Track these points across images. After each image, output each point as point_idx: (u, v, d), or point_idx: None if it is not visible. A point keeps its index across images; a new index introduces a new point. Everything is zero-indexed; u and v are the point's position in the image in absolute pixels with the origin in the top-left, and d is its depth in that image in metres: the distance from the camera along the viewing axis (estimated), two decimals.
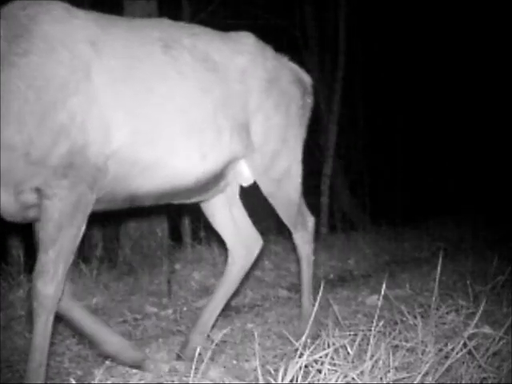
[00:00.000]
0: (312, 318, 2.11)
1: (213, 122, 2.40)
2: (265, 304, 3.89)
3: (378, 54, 11.88)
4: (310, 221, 2.97)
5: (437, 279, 2.44)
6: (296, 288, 4.46)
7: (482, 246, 6.28)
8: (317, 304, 2.07)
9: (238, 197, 2.89)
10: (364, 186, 12.67)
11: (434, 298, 2.41)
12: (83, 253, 4.14)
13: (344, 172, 11.11)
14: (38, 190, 2.03)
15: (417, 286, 4.06)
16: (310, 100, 2.95)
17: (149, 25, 2.41)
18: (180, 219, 5.97)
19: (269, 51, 2.75)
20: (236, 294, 4.07)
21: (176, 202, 2.61)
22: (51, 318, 2.08)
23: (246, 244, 2.89)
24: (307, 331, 2.00)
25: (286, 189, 2.77)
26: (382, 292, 2.21)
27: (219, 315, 2.94)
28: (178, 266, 4.61)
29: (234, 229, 2.87)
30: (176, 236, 5.64)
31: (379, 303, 2.21)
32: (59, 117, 1.98)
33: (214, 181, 2.54)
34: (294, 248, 5.32)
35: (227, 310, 3.76)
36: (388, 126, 12.93)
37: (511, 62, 11.16)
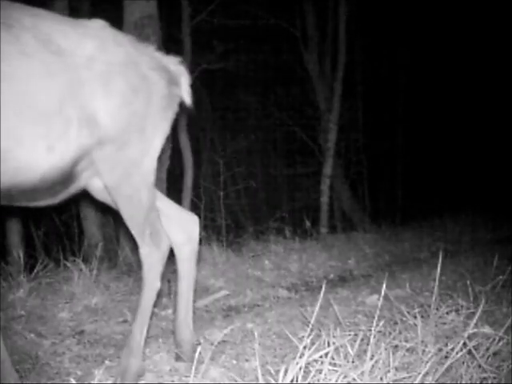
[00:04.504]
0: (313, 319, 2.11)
1: (60, 111, 2.19)
2: (265, 304, 3.89)
3: (378, 53, 11.89)
4: (165, 242, 2.61)
5: (437, 279, 2.44)
6: (296, 288, 4.47)
7: (482, 246, 6.29)
8: (318, 304, 2.08)
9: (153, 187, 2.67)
10: (364, 186, 12.66)
11: (433, 298, 2.41)
12: (83, 253, 4.13)
13: (344, 172, 11.12)
14: None
15: (417, 286, 4.06)
16: (178, 91, 2.67)
17: None
18: None
19: (122, 37, 2.54)
20: (236, 293, 4.09)
21: (24, 204, 2.38)
22: None
23: (184, 228, 2.80)
24: (308, 330, 1.99)
25: (135, 184, 2.46)
26: (382, 292, 2.21)
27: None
28: None
29: (165, 219, 2.73)
30: None
31: (379, 303, 2.21)
32: None
33: (61, 180, 2.33)
34: (291, 248, 5.26)
35: (227, 310, 3.77)
36: (388, 126, 12.93)
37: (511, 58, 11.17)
